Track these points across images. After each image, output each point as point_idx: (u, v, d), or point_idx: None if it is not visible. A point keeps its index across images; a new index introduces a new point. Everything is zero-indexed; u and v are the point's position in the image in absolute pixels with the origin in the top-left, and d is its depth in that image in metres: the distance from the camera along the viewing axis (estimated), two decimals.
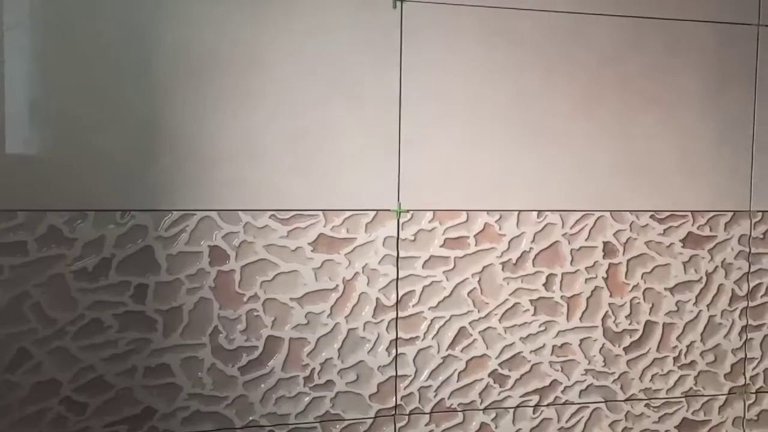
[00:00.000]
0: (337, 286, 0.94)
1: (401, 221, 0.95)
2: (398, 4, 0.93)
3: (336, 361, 0.95)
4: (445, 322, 0.98)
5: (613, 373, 1.03)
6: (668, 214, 1.03)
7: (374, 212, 0.94)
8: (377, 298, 0.95)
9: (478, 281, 0.98)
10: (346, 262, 0.94)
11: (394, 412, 0.96)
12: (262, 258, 0.91)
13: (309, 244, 0.93)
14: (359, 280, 0.95)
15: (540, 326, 1.01)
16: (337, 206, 0.93)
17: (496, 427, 1.00)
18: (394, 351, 0.96)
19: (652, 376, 1.05)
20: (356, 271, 0.94)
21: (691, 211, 1.04)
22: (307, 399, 0.94)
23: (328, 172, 0.92)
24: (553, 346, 1.01)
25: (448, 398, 0.99)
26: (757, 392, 1.08)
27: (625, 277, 1.03)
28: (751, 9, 1.04)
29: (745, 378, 1.08)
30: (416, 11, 0.94)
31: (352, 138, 0.93)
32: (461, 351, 0.99)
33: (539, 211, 1.00)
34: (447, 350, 0.98)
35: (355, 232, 0.94)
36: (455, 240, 0.98)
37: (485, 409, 1.00)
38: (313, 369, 0.94)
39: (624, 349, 1.04)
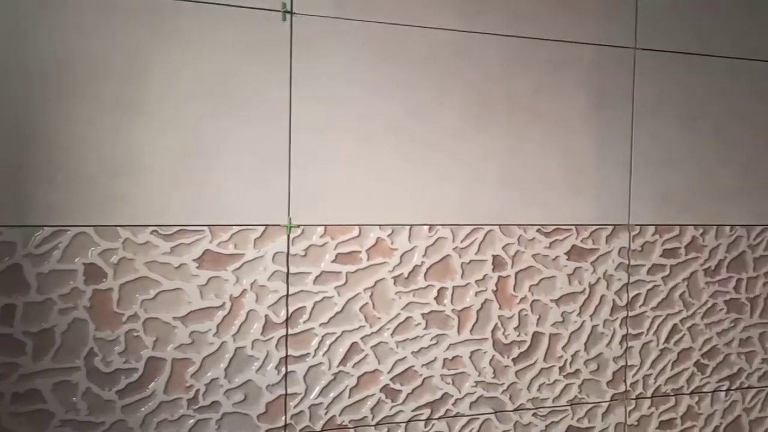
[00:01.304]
0: (224, 303, 0.91)
1: (292, 236, 0.93)
2: (288, 17, 0.92)
3: (222, 381, 0.92)
4: (337, 338, 0.97)
5: (503, 384, 1.05)
6: (554, 227, 1.07)
7: (263, 227, 0.92)
8: (266, 315, 0.93)
9: (370, 296, 0.98)
10: (233, 279, 0.91)
11: None
12: (143, 276, 0.87)
13: (194, 260, 0.89)
14: (247, 297, 0.92)
15: (431, 340, 1.01)
16: (225, 221, 0.90)
17: None
18: (283, 369, 0.94)
19: (540, 385, 1.07)
20: (244, 288, 0.92)
21: (575, 225, 1.08)
22: (191, 422, 0.90)
23: (215, 186, 0.90)
24: (445, 359, 1.02)
25: (339, 415, 0.98)
26: (637, 398, 1.13)
27: (514, 290, 1.05)
28: (628, 33, 1.09)
29: (626, 385, 1.12)
30: (307, 25, 0.93)
31: (241, 152, 0.90)
32: (353, 367, 0.98)
33: (431, 225, 1.01)
34: (338, 366, 0.97)
35: (243, 247, 0.91)
36: (347, 255, 0.97)
37: (377, 424, 0.99)
38: (198, 390, 0.91)
39: (513, 360, 1.06)
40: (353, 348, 0.98)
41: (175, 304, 0.89)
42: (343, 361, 0.97)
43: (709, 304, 1.16)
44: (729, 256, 1.17)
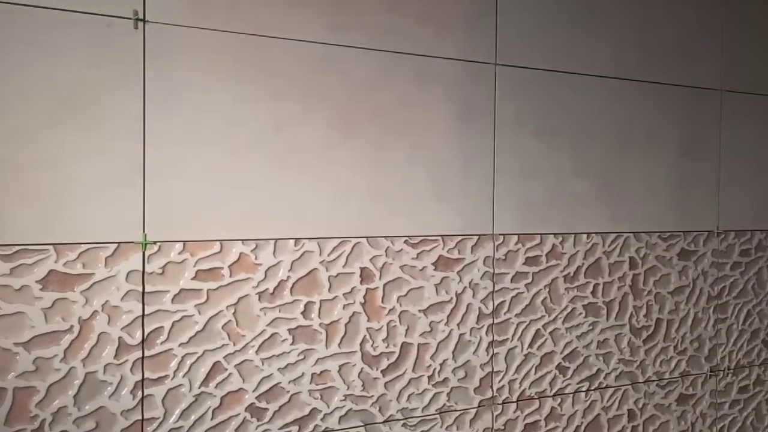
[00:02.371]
0: (72, 326, 0.86)
1: (147, 254, 0.89)
2: (140, 24, 0.88)
3: (71, 409, 0.86)
4: (198, 357, 0.93)
5: (372, 396, 1.05)
6: (421, 238, 1.08)
7: (115, 245, 0.88)
8: (120, 338, 0.88)
9: (234, 313, 0.95)
10: (82, 300, 0.86)
11: None
12: None
13: (37, 282, 0.84)
14: (98, 319, 0.87)
15: (299, 355, 1.00)
16: (72, 239, 0.85)
17: None
18: (140, 393, 0.89)
19: (409, 395, 1.08)
20: (95, 310, 0.87)
21: (442, 236, 1.10)
22: None
23: (60, 202, 0.84)
24: (312, 374, 1.01)
25: None
26: (503, 403, 1.16)
27: (382, 301, 1.05)
28: (489, 49, 1.13)
29: (493, 390, 1.15)
30: (162, 34, 0.89)
31: (89, 165, 0.85)
32: (215, 387, 0.95)
33: (297, 239, 0.99)
34: (200, 387, 0.94)
35: (93, 267, 0.86)
36: (208, 271, 0.94)
37: None
38: (44, 420, 0.85)
39: (382, 371, 1.06)
40: (216, 367, 0.95)
41: (16, 329, 0.83)
42: (205, 381, 0.94)
43: (569, 309, 1.22)
44: (586, 263, 1.23)
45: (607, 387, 1.26)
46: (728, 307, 1.39)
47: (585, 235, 1.24)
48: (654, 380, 1.31)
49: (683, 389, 1.34)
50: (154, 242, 0.89)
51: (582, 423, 1.24)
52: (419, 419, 1.10)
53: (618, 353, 1.28)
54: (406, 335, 1.08)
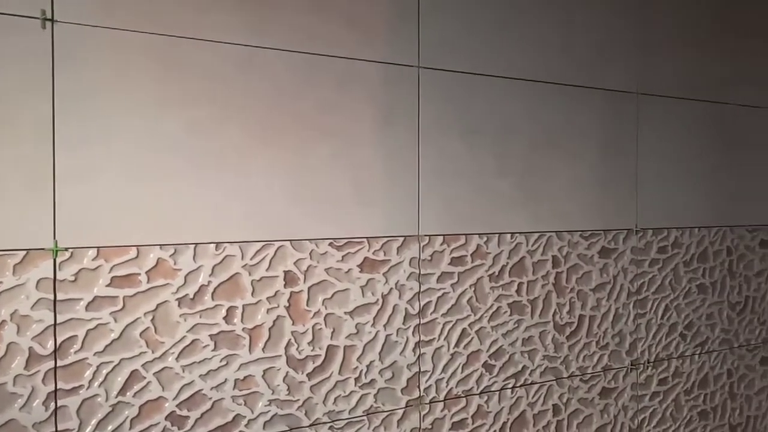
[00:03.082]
0: None
1: (58, 260, 0.86)
2: (48, 24, 0.85)
3: None
4: (114, 366, 0.91)
5: (298, 400, 1.05)
6: (346, 241, 1.08)
7: (24, 252, 0.85)
8: (30, 348, 0.85)
9: (152, 320, 0.93)
10: None
11: None
12: None
13: None
14: (7, 329, 0.84)
15: (221, 361, 0.99)
16: None
17: None
18: (52, 404, 0.87)
19: (335, 398, 1.08)
20: (3, 319, 0.84)
21: (367, 238, 1.10)
22: None
23: None
24: (236, 380, 1.00)
25: None
26: (430, 402, 1.17)
27: (307, 305, 1.05)
28: (411, 52, 1.14)
29: (420, 390, 1.16)
30: (72, 34, 0.87)
31: None
32: (133, 396, 0.92)
33: (218, 243, 0.98)
34: (117, 397, 0.91)
35: (1, 275, 0.83)
36: (124, 278, 0.91)
37: None
38: None
39: (307, 375, 1.06)
40: (134, 376, 0.92)
41: None
42: (123, 390, 0.92)
43: (495, 308, 1.24)
44: (511, 262, 1.26)
45: (532, 383, 1.29)
46: (647, 302, 1.44)
47: (509, 235, 1.26)
48: (577, 375, 1.34)
49: (605, 383, 1.38)
50: (66, 249, 0.87)
51: (508, 419, 1.26)
52: (346, 421, 1.10)
53: (543, 350, 1.30)
54: (331, 338, 1.08)
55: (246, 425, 1.01)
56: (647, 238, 1.43)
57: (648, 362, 1.44)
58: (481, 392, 1.23)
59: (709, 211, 1.53)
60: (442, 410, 1.19)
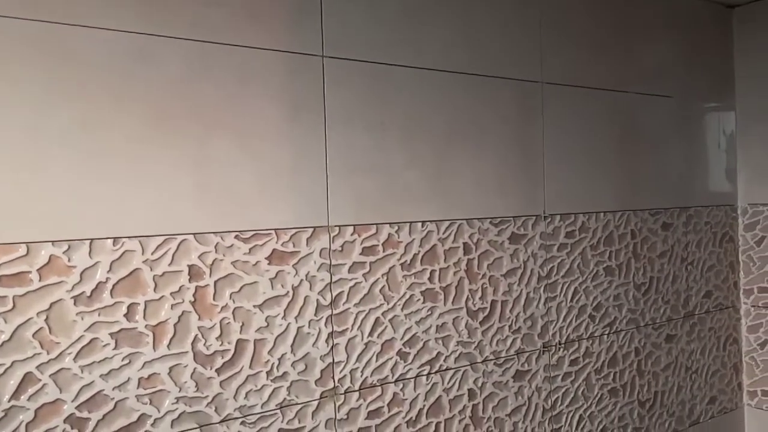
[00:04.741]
0: None
1: None
2: None
3: None
4: (6, 369, 0.87)
5: (207, 396, 1.03)
6: (253, 233, 1.07)
7: None
8: None
9: (46, 320, 0.90)
10: None
11: None
12: None
13: None
14: None
15: (123, 360, 0.96)
16: None
17: None
18: None
19: (247, 393, 1.07)
20: None
21: (275, 229, 1.09)
22: None
23: None
24: (140, 379, 0.97)
25: None
26: (345, 393, 1.17)
27: (214, 299, 1.03)
28: (315, 41, 1.13)
29: (334, 381, 1.16)
30: None
31: None
32: (28, 400, 0.89)
33: (115, 239, 0.95)
34: (10, 401, 0.87)
35: None
36: (13, 276, 0.88)
37: None
38: None
39: (216, 370, 1.04)
40: (27, 378, 0.89)
41: None
42: (16, 394, 0.88)
43: (408, 296, 1.25)
44: (422, 250, 1.27)
45: (447, 369, 1.31)
46: (557, 285, 1.48)
47: (420, 224, 1.27)
48: (491, 359, 1.37)
49: (519, 366, 1.42)
50: None
51: (424, 406, 1.28)
52: (259, 416, 1.08)
53: (456, 336, 1.32)
54: (241, 332, 1.07)
55: (152, 425, 0.98)
56: (555, 224, 1.48)
57: (559, 344, 1.48)
58: (397, 380, 1.24)
59: (614, 196, 1.59)
60: (357, 400, 1.19)
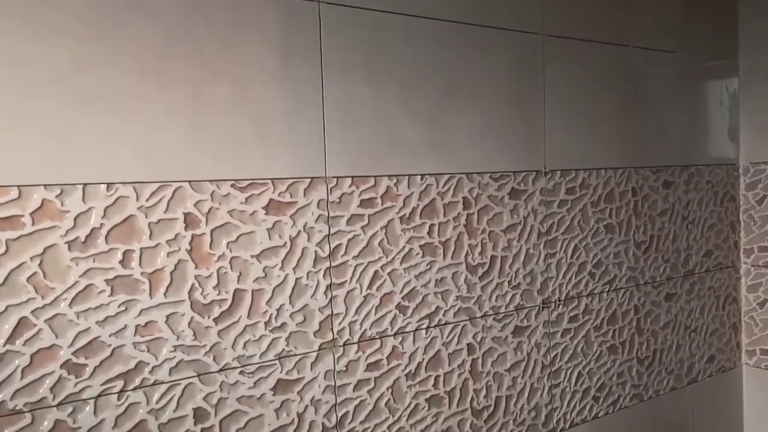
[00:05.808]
0: None
1: None
2: None
3: None
4: (0, 314, 0.86)
5: (205, 345, 1.02)
6: (249, 182, 1.05)
7: None
8: None
9: (40, 264, 0.88)
10: None
11: None
12: None
13: None
14: None
15: (119, 307, 0.95)
16: None
17: (74, 423, 0.92)
18: None
19: (245, 343, 1.06)
20: None
21: (272, 179, 1.08)
22: None
23: None
24: (137, 326, 0.96)
25: (11, 399, 0.87)
26: (344, 345, 1.17)
27: (210, 248, 1.02)
28: None
29: (333, 333, 1.16)
30: None
31: None
32: (23, 344, 0.88)
33: (109, 184, 0.93)
34: (5, 346, 0.87)
35: None
36: (5, 220, 0.87)
37: (59, 404, 0.91)
38: None
39: (214, 320, 1.03)
40: (22, 323, 0.88)
41: None
42: (11, 339, 0.87)
43: (407, 250, 1.24)
44: (421, 204, 1.26)
45: (446, 323, 1.30)
46: (557, 242, 1.47)
47: (419, 177, 1.26)
48: (491, 315, 1.37)
49: (518, 322, 1.41)
50: None
51: (423, 359, 1.27)
52: (257, 366, 1.08)
53: (456, 291, 1.32)
54: (238, 282, 1.06)
55: (150, 372, 0.98)
56: (556, 180, 1.46)
57: (559, 300, 1.48)
58: (396, 333, 1.23)
59: (615, 153, 1.57)
60: (356, 352, 1.18)
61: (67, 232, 0.90)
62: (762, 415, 1.87)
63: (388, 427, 1.23)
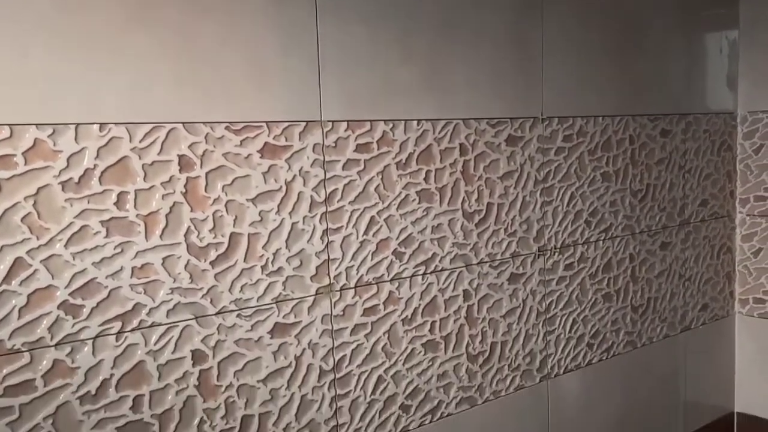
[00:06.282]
0: None
1: None
2: None
3: None
4: None
5: (202, 288, 1.02)
6: (243, 125, 1.04)
7: None
8: None
9: (34, 205, 0.88)
10: None
11: None
12: None
13: None
14: None
15: (115, 248, 0.94)
16: None
17: (73, 362, 0.92)
18: None
19: (242, 286, 1.06)
20: None
21: (266, 122, 1.06)
22: None
23: None
24: (133, 268, 0.96)
25: (9, 339, 0.87)
26: (341, 290, 1.17)
27: (206, 191, 1.01)
28: None
29: (330, 278, 1.16)
30: None
31: None
32: (20, 285, 0.88)
33: (101, 124, 0.92)
34: (1, 286, 0.86)
35: None
36: None
37: (57, 344, 0.91)
38: None
39: (210, 263, 1.03)
40: (18, 263, 0.87)
41: None
42: (7, 279, 0.87)
43: (403, 196, 1.23)
44: (418, 149, 1.25)
45: (442, 270, 1.31)
46: (553, 190, 1.47)
47: (415, 122, 1.25)
48: (487, 261, 1.37)
49: (514, 269, 1.42)
50: None
51: (420, 305, 1.28)
52: (254, 309, 1.08)
53: (452, 237, 1.32)
54: (234, 225, 1.05)
55: (147, 314, 0.98)
56: (553, 127, 1.45)
57: (555, 248, 1.48)
58: (392, 279, 1.24)
59: (613, 101, 1.56)
60: (353, 297, 1.19)
61: (60, 172, 0.89)
62: (753, 363, 1.90)
63: (384, 371, 1.24)
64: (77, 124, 0.90)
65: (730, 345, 1.96)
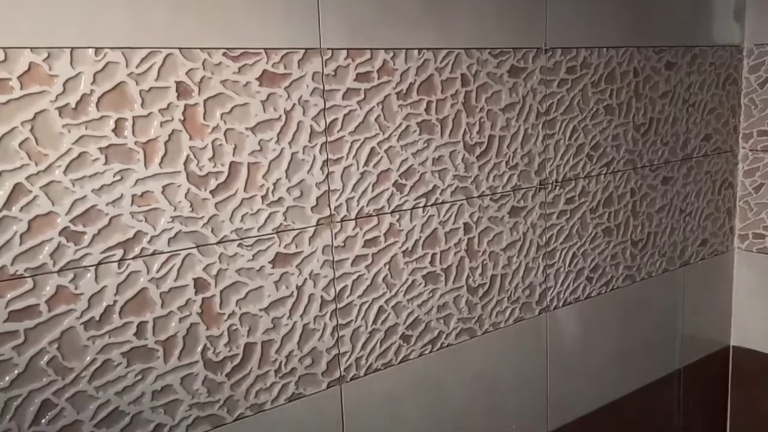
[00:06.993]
0: None
1: None
2: None
3: None
4: None
5: (202, 217, 1.02)
6: (241, 51, 1.02)
7: None
8: None
9: (31, 130, 0.87)
10: None
11: None
12: None
13: None
14: None
15: (115, 176, 0.94)
16: None
17: (76, 288, 0.93)
18: None
19: (243, 216, 1.06)
20: None
21: (265, 49, 1.04)
22: None
23: None
24: (133, 196, 0.96)
25: (11, 264, 0.88)
26: (342, 221, 1.17)
27: (204, 119, 1.00)
28: None
29: (330, 209, 1.16)
30: None
31: None
32: (20, 210, 0.87)
33: (97, 49, 0.90)
34: (2, 212, 0.86)
35: None
36: None
37: (60, 270, 0.91)
38: None
39: (211, 192, 1.02)
40: (18, 189, 0.87)
41: None
42: (7, 204, 0.87)
43: (403, 127, 1.22)
44: (419, 79, 1.23)
45: (443, 202, 1.31)
46: (556, 123, 1.45)
47: (416, 51, 1.23)
48: (488, 195, 1.37)
49: (515, 202, 1.42)
50: None
51: (420, 237, 1.28)
52: (255, 239, 1.08)
53: (453, 170, 1.31)
54: (234, 154, 1.05)
55: (149, 242, 0.98)
56: (556, 58, 1.43)
57: (556, 182, 1.48)
58: (393, 211, 1.24)
59: (618, 31, 1.53)
60: (353, 228, 1.19)
61: (57, 97, 0.88)
62: (750, 296, 1.91)
63: (385, 302, 1.25)
64: (72, 48, 0.89)
65: (728, 280, 1.97)
